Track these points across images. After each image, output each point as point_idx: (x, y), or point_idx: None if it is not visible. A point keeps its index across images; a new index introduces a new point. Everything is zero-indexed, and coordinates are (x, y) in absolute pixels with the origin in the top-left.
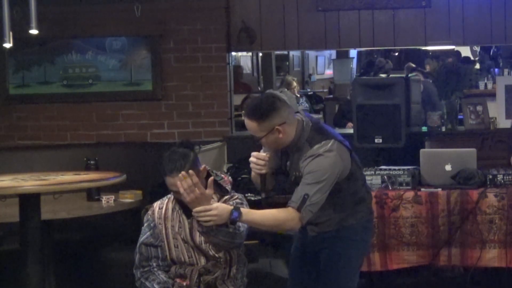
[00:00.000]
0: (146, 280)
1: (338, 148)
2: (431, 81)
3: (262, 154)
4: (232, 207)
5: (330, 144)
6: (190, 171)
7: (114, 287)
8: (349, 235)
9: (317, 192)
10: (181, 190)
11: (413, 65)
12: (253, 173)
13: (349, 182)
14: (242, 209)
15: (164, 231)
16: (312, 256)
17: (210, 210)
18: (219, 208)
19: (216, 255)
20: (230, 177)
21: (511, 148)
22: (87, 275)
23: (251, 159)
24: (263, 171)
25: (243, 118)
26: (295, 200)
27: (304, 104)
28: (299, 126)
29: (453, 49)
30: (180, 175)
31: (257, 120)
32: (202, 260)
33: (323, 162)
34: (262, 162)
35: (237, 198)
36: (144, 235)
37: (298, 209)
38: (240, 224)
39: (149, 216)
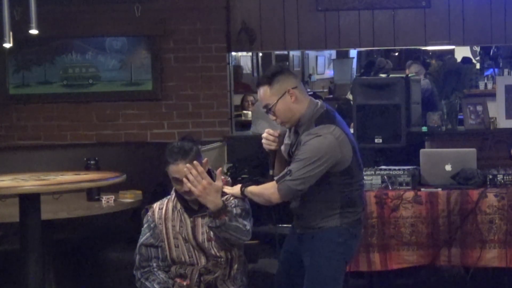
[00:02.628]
0: (146, 280)
1: (340, 136)
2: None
3: (272, 130)
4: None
5: (333, 129)
6: (195, 162)
7: (114, 287)
8: (331, 236)
9: (302, 169)
10: (188, 185)
11: (417, 62)
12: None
13: (342, 178)
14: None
15: (164, 231)
16: (297, 260)
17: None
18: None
19: (218, 254)
20: (229, 178)
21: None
22: (87, 275)
23: (263, 135)
24: (272, 147)
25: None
26: (280, 174)
27: None
28: (312, 104)
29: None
30: (185, 168)
31: (268, 83)
32: (203, 260)
33: (319, 143)
34: (271, 138)
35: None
36: (144, 236)
37: (277, 181)
38: (246, 222)
39: (149, 217)
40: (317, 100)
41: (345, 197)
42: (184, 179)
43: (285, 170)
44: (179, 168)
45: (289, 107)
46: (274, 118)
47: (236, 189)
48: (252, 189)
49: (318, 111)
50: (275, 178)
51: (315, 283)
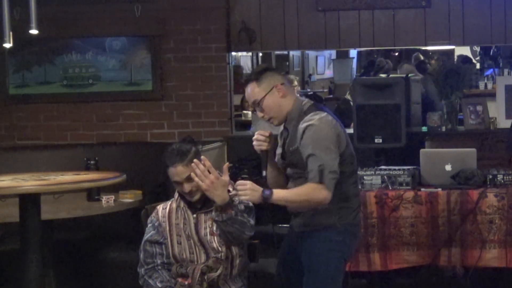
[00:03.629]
0: (149, 278)
1: (332, 121)
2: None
3: (262, 131)
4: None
5: (324, 115)
6: (202, 157)
7: (114, 287)
8: (329, 235)
9: (328, 156)
10: (196, 179)
11: (422, 57)
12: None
13: (340, 165)
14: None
15: (168, 228)
16: (296, 259)
17: (245, 184)
18: (252, 184)
19: (219, 248)
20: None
21: (511, 148)
22: (87, 275)
23: (254, 137)
24: (263, 148)
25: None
26: (312, 176)
27: None
28: (298, 101)
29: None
30: (192, 164)
31: (255, 79)
32: (203, 257)
33: (319, 129)
34: (262, 138)
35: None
36: (149, 233)
37: (321, 182)
38: (250, 218)
39: (153, 217)
40: (303, 98)
41: (340, 193)
42: (192, 174)
43: (312, 167)
44: (178, 171)
45: (277, 102)
46: (261, 114)
47: (257, 190)
48: (286, 195)
49: (305, 105)
50: (310, 180)
51: (314, 282)
